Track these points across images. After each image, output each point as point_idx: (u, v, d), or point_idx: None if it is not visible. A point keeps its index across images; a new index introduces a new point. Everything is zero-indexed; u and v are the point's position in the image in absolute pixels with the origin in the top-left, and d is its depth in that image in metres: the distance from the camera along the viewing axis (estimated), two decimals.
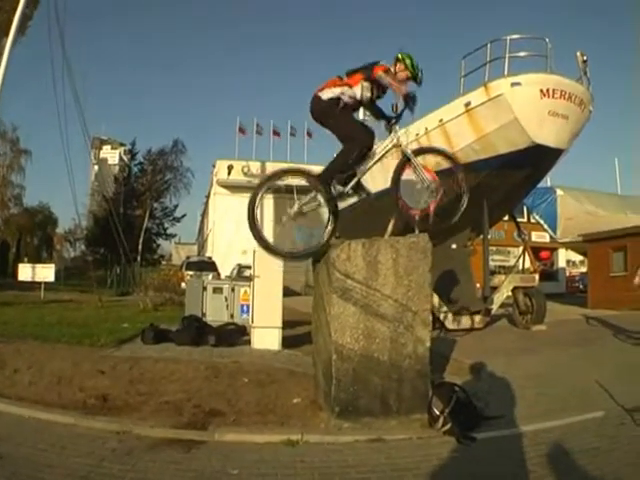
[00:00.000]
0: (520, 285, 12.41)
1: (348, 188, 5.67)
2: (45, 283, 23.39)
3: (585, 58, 11.83)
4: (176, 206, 51.83)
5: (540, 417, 5.49)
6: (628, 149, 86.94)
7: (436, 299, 11.06)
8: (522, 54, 11.45)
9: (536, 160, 11.75)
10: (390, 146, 5.75)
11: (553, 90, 11.16)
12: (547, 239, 26.88)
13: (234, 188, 30.70)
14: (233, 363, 7.56)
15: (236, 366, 7.37)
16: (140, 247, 45.76)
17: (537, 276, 12.97)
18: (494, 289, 12.50)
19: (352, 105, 5.71)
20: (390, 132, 5.78)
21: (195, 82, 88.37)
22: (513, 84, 11.14)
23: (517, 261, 13.60)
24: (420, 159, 5.73)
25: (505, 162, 11.51)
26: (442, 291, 11.46)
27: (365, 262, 4.96)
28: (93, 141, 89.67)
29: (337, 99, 5.61)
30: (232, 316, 10.44)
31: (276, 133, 35.78)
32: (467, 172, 6.69)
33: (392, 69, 5.72)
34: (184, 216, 53.50)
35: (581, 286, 27.44)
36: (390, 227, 8.31)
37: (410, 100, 5.53)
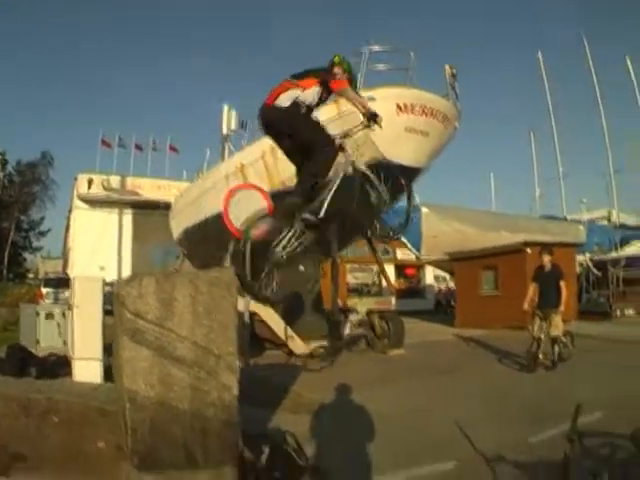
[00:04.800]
0: (375, 308, 12.02)
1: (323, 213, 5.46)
2: None
3: (454, 72, 11.27)
4: (42, 218, 48.87)
5: (380, 471, 4.84)
6: (505, 164, 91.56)
7: (283, 323, 10.51)
8: (381, 67, 10.68)
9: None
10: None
11: (412, 105, 10.42)
12: (414, 256, 26.74)
13: (94, 202, 29.06)
14: (47, 400, 6.59)
15: (49, 403, 6.49)
16: (6, 260, 42.35)
17: (393, 298, 12.71)
18: (347, 311, 11.95)
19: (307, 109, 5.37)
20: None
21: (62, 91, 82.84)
22: (367, 99, 10.55)
23: (372, 284, 13.32)
24: None
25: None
26: (290, 315, 10.85)
27: (159, 300, 4.33)
28: None
29: (297, 104, 5.23)
30: (65, 343, 9.42)
31: (138, 147, 34.44)
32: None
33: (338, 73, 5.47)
34: (49, 230, 50.28)
35: (452, 302, 27.98)
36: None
37: (374, 117, 5.29)
